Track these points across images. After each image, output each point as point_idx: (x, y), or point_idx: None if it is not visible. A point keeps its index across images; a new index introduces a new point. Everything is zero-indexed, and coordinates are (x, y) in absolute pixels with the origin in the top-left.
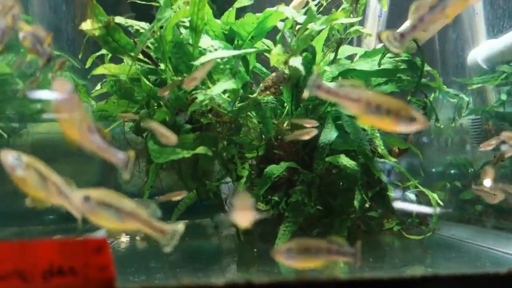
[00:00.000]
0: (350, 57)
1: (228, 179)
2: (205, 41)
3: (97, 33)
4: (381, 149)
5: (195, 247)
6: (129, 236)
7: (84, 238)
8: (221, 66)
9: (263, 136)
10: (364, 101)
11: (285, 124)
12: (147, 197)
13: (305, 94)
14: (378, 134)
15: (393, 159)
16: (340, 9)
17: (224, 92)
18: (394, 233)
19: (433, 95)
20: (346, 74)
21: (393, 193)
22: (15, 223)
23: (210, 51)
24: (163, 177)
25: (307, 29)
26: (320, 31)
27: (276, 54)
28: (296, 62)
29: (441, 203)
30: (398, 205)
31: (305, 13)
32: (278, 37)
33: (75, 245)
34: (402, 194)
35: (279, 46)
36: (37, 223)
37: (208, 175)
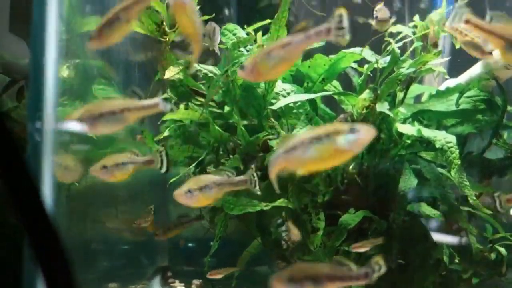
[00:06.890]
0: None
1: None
2: (276, 85)
3: (177, 77)
4: (472, 199)
5: None
6: (183, 285)
7: None
8: (294, 111)
9: (328, 181)
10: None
11: (350, 167)
12: (215, 249)
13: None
14: (467, 183)
15: (488, 211)
16: (412, 48)
17: None
18: (472, 285)
19: (506, 135)
20: (420, 115)
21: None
22: None
23: (283, 95)
24: None
25: (391, 72)
26: (406, 74)
27: (362, 99)
28: (384, 107)
29: None
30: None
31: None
32: (360, 80)
33: None
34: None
35: (367, 91)
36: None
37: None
